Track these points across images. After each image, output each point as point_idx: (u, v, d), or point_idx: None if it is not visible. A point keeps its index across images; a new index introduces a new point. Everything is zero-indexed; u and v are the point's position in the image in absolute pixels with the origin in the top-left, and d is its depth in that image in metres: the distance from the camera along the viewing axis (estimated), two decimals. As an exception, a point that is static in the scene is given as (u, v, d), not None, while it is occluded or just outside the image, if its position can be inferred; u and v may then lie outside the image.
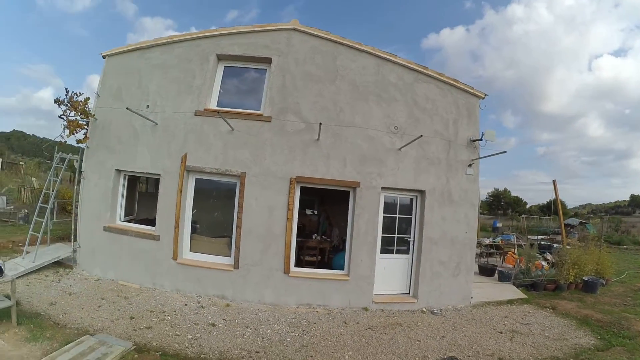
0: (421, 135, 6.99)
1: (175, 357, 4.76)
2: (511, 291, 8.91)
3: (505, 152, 7.62)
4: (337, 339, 5.63)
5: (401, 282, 7.57)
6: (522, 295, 8.56)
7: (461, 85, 7.76)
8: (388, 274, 7.41)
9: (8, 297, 5.23)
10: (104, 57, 8.13)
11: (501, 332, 6.31)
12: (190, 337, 5.42)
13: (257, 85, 7.70)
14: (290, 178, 7.01)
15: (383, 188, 7.25)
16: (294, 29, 7.43)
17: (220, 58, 7.62)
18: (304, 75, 7.31)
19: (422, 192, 7.46)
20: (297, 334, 5.73)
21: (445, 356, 5.21)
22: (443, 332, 6.19)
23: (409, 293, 7.53)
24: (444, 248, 7.45)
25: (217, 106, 7.49)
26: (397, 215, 7.58)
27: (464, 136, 7.71)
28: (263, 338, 5.54)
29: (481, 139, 7.63)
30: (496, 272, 10.46)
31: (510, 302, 8.10)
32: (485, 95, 7.93)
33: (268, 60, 7.43)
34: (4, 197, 12.31)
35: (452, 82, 7.67)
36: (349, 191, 7.30)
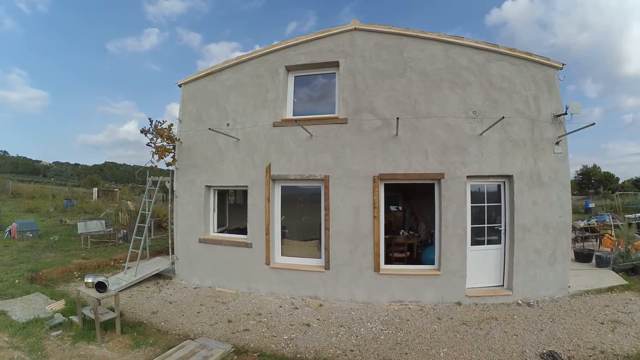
0: (503, 117, 6.61)
1: (273, 358, 4.87)
2: (611, 277, 8.18)
3: (594, 124, 6.94)
4: (432, 336, 5.51)
5: (494, 274, 7.23)
6: (623, 282, 7.82)
7: (536, 58, 7.27)
8: (480, 266, 7.10)
9: (112, 309, 5.67)
10: (179, 85, 8.73)
11: (602, 323, 5.80)
12: (287, 337, 5.56)
13: (328, 90, 7.84)
14: (373, 176, 7.02)
15: (468, 177, 6.98)
16: (355, 29, 7.45)
17: (289, 69, 7.86)
18: (373, 73, 7.30)
19: (509, 177, 7.07)
20: (390, 332, 5.69)
21: (544, 350, 4.89)
22: (541, 325, 5.80)
23: (502, 285, 7.16)
24: (538, 235, 6.99)
25: (293, 115, 7.75)
26: (486, 204, 7.26)
27: (546, 112, 7.20)
28: (357, 336, 5.55)
29: (566, 113, 7.08)
30: (593, 257, 9.70)
31: (610, 289, 7.40)
32: (563, 65, 7.37)
33: (335, 64, 7.53)
34: (103, 221, 13.50)
35: (525, 56, 7.20)
36: (433, 184, 7.14)
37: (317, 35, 7.60)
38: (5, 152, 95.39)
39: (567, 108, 7.07)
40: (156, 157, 8.11)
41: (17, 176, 58.73)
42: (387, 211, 7.42)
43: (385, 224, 7.51)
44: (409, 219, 10.55)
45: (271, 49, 7.87)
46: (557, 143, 7.16)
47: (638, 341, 5.21)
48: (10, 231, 12.69)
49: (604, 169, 52.21)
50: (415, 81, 7.19)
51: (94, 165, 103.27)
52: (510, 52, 7.22)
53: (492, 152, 7.01)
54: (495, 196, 7.30)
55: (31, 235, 12.49)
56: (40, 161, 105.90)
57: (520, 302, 6.80)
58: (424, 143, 7.01)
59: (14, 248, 10.77)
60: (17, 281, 7.62)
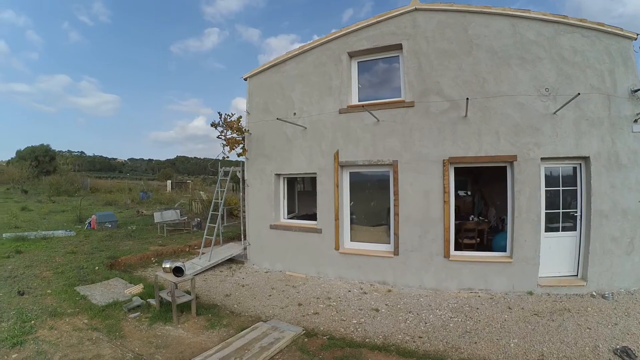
0: (579, 94, 6.14)
1: (342, 341, 4.91)
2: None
3: (677, 98, 6.40)
4: (502, 325, 5.35)
5: (568, 263, 6.84)
6: None
7: (609, 29, 6.64)
8: (553, 255, 6.76)
9: (188, 292, 5.93)
10: (245, 79, 9.10)
11: (681, 320, 5.32)
12: (355, 321, 5.66)
13: (392, 74, 7.81)
14: (443, 160, 6.91)
15: (542, 159, 6.62)
16: (416, 9, 7.28)
17: (351, 55, 7.89)
18: (438, 53, 7.12)
19: (585, 159, 6.61)
20: (459, 320, 5.60)
21: (618, 346, 4.59)
22: (615, 318, 5.44)
23: (576, 275, 6.75)
24: (615, 222, 6.50)
25: (359, 101, 7.81)
26: (560, 188, 6.86)
27: (623, 87, 6.59)
28: (426, 323, 5.53)
29: (644, 88, 6.55)
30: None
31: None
32: (638, 35, 6.77)
33: (398, 47, 7.43)
34: (178, 211, 14.45)
35: (597, 26, 6.59)
36: (504, 167, 6.88)
37: (378, 19, 7.54)
38: (82, 152, 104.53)
39: (645, 82, 6.50)
40: (227, 148, 8.57)
41: (95, 173, 64.23)
42: (456, 196, 7.26)
43: (454, 209, 7.39)
44: (479, 204, 10.26)
45: (332, 37, 7.94)
46: (636, 121, 6.58)
47: None
48: (90, 223, 13.56)
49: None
50: (483, 59, 6.91)
51: (167, 160, 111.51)
52: (580, 23, 6.67)
53: (567, 132, 6.58)
54: (571, 179, 6.87)
55: (110, 226, 13.40)
56: (116, 158, 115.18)
57: (594, 293, 6.41)
58: (494, 124, 6.76)
59: (94, 238, 11.46)
60: (97, 268, 8.10)
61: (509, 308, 5.99)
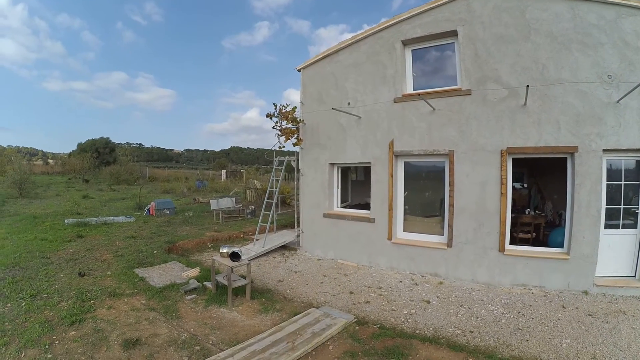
0: None
1: (392, 331, 4.94)
2: None
3: None
4: (555, 324, 5.21)
5: (626, 263, 6.46)
6: None
7: None
8: (611, 253, 6.41)
9: (244, 276, 6.12)
10: (299, 70, 9.31)
11: None
12: (406, 312, 5.70)
13: (447, 61, 7.69)
14: (501, 150, 6.75)
15: (604, 150, 6.25)
16: (469, -7, 7.06)
17: (405, 43, 7.84)
18: (495, 39, 6.90)
19: None
20: (512, 316, 5.51)
21: None
22: None
23: (634, 276, 6.37)
24: None
25: (413, 90, 7.79)
26: (622, 182, 6.47)
27: None
28: (477, 318, 5.48)
29: None
30: None
31: None
32: None
33: (454, 33, 7.28)
34: (233, 198, 15.12)
35: None
36: (564, 158, 6.60)
37: (431, 5, 7.40)
38: (140, 144, 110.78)
39: None
40: (282, 138, 8.86)
41: (152, 163, 67.90)
42: (512, 189, 7.09)
43: (510, 202, 7.24)
44: (535, 197, 9.91)
45: (385, 25, 7.91)
46: None
47: None
48: (149, 210, 14.32)
49: None
50: (542, 44, 6.60)
51: (221, 150, 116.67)
52: None
53: (631, 122, 6.16)
54: (633, 174, 6.47)
55: (168, 213, 14.14)
56: (173, 149, 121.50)
57: None
58: (555, 113, 6.47)
59: (153, 224, 12.07)
60: (155, 252, 8.48)
61: (563, 307, 5.81)
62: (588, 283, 6.32)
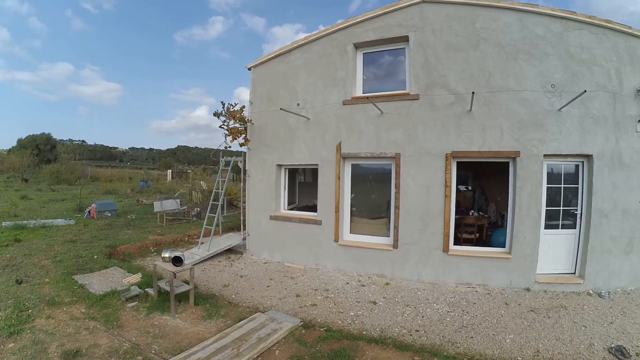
0: (585, 91, 6.07)
1: (339, 333, 4.94)
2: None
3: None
4: (498, 321, 5.38)
5: (566, 261, 6.86)
6: None
7: (617, 26, 6.57)
8: (552, 252, 6.77)
9: (187, 282, 5.93)
10: (249, 68, 9.03)
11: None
12: (353, 314, 5.67)
13: (398, 66, 7.74)
14: (446, 154, 6.87)
15: (545, 156, 6.58)
16: (424, 1, 7.16)
17: (357, 46, 7.82)
18: (444, 46, 7.05)
19: (588, 157, 6.59)
20: (456, 314, 5.64)
21: (613, 345, 4.61)
22: (611, 317, 5.47)
23: (574, 273, 6.78)
24: (615, 221, 6.51)
25: (363, 93, 7.75)
26: (562, 185, 6.85)
27: (629, 86, 6.53)
28: (423, 317, 5.56)
29: (650, 88, 6.46)
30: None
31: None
32: None
33: (405, 39, 7.35)
34: (178, 200, 14.49)
35: (605, 24, 6.53)
36: (506, 163, 6.86)
37: (385, 10, 7.45)
38: (83, 141, 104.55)
39: (651, 82, 6.43)
40: (229, 138, 8.52)
41: (95, 162, 64.22)
42: (457, 191, 7.26)
43: (455, 204, 7.37)
44: (479, 200, 10.27)
45: (339, 27, 7.87)
46: (640, 121, 6.58)
47: None
48: (89, 212, 13.47)
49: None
50: (490, 53, 6.83)
51: (168, 149, 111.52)
52: (588, 19, 6.59)
53: (572, 129, 6.54)
54: (572, 177, 6.86)
55: (110, 215, 13.34)
56: (117, 147, 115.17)
57: (591, 291, 6.44)
58: (499, 119, 6.70)
59: (93, 227, 11.45)
60: (95, 257, 8.08)
61: (506, 304, 6.01)
62: (530, 281, 6.58)
